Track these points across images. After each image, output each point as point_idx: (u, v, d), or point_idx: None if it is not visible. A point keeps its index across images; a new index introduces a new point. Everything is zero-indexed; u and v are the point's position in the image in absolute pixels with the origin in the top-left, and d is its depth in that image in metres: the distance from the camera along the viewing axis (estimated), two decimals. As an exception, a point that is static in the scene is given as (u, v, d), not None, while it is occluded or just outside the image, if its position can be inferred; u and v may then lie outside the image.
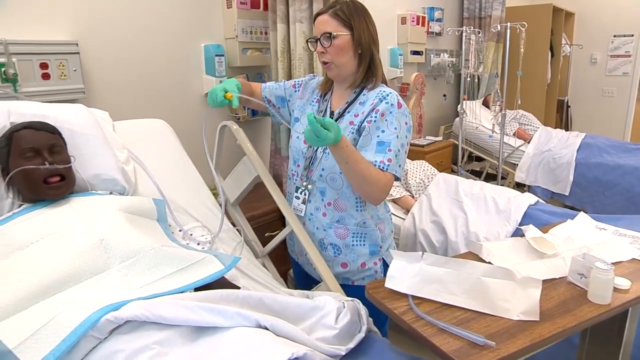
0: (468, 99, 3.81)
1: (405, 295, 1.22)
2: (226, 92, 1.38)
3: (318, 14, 1.49)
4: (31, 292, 1.06)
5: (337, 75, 1.50)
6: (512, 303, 1.14)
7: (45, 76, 1.88)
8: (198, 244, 1.49)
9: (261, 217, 2.24)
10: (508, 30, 3.25)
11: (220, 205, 1.71)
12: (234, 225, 1.72)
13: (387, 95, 1.43)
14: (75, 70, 1.96)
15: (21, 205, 1.32)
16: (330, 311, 1.14)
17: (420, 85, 3.71)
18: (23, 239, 1.16)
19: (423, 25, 3.88)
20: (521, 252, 1.49)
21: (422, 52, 3.94)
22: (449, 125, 4.33)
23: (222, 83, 1.46)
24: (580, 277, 1.26)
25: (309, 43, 1.52)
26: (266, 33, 2.57)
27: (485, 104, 4.23)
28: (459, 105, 3.75)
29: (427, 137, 3.91)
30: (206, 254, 1.31)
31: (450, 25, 4.34)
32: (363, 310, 1.22)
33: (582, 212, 1.77)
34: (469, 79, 3.53)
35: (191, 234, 1.52)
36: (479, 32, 3.48)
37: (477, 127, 3.85)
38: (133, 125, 1.76)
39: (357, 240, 1.54)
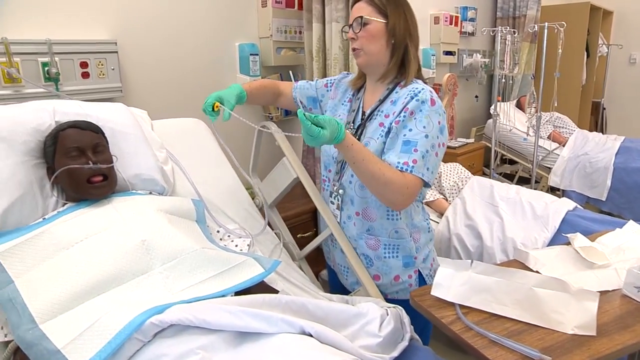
0: (501, 101, 3.73)
1: (452, 304, 1.19)
2: (215, 103, 1.30)
3: (356, 1, 1.42)
4: (77, 292, 1.06)
5: (366, 63, 1.41)
6: (566, 316, 1.09)
7: (85, 75, 1.90)
8: (236, 245, 1.47)
9: (294, 218, 2.22)
10: (546, 30, 3.16)
11: (258, 206, 1.71)
12: (270, 226, 1.70)
13: (420, 91, 1.33)
14: (113, 69, 1.97)
15: (65, 204, 1.32)
16: (373, 318, 1.12)
17: (453, 87, 3.64)
18: (68, 238, 1.16)
19: (456, 25, 3.81)
20: (569, 262, 1.43)
21: (454, 52, 3.87)
22: (480, 127, 4.25)
23: (226, 89, 1.40)
24: (637, 291, 1.20)
25: (342, 32, 1.46)
26: (300, 32, 2.55)
27: (519, 105, 4.14)
28: (492, 107, 3.67)
29: (459, 139, 3.84)
30: (246, 257, 1.30)
31: (483, 25, 4.25)
32: (406, 318, 1.19)
33: (631, 221, 1.70)
34: (503, 80, 3.44)
35: (229, 236, 1.51)
36: (515, 32, 3.38)
37: (510, 130, 3.76)
38: (170, 124, 1.76)
39: (389, 252, 1.45)
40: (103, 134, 1.38)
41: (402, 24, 1.37)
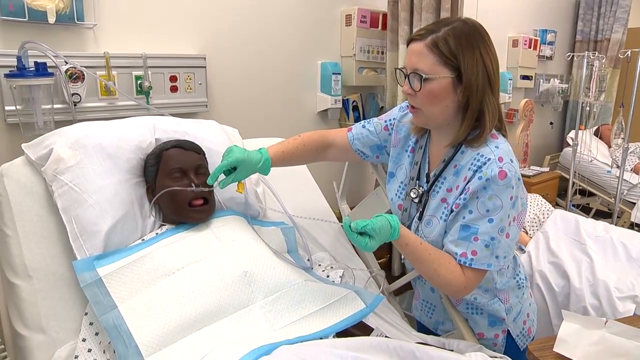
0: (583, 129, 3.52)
1: (580, 366, 1.06)
2: (239, 182, 1.17)
3: (412, 39, 1.12)
4: (180, 325, 1.01)
5: (425, 124, 1.18)
6: None
7: (174, 89, 1.89)
8: (328, 276, 1.40)
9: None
10: None
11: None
12: (357, 254, 1.62)
13: (484, 164, 1.08)
14: (200, 84, 1.96)
15: (162, 225, 1.29)
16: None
17: (530, 113, 3.47)
18: (169, 265, 1.11)
19: (535, 48, 3.66)
20: None
21: (531, 76, 3.70)
22: (554, 155, 4.04)
23: (249, 152, 1.20)
24: None
25: (396, 72, 1.17)
26: (383, 52, 2.48)
27: (599, 134, 3.91)
28: (569, 135, 3.47)
29: (532, 167, 3.65)
30: (347, 290, 1.22)
31: (561, 49, 4.07)
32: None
33: None
34: (587, 108, 3.25)
35: (319, 265, 1.44)
36: (603, 58, 3.20)
37: (591, 161, 3.54)
38: (261, 144, 1.71)
39: (471, 309, 1.30)
40: (204, 154, 1.34)
41: (479, 73, 1.07)
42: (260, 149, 1.27)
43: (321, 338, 1.07)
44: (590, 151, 3.51)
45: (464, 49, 1.06)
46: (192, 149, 1.29)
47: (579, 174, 3.61)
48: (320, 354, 0.95)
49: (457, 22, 1.09)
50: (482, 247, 1.09)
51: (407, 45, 1.13)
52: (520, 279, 1.33)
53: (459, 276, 1.11)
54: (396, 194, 1.31)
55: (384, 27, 2.44)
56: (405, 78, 1.12)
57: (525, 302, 1.34)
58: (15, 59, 1.45)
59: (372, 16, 2.41)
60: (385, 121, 1.36)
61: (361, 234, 1.04)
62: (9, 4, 1.49)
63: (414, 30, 2.24)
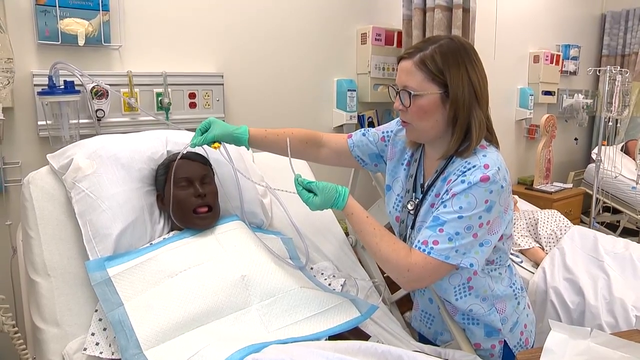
0: (606, 145, 3.46)
1: (566, 376, 1.07)
2: (214, 143, 1.29)
3: (402, 57, 1.16)
4: (179, 323, 1.08)
5: (417, 138, 1.22)
6: None
7: (192, 105, 2.00)
8: (329, 284, 1.45)
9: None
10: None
11: (351, 244, 1.68)
12: (361, 264, 1.66)
13: (469, 169, 1.11)
14: (218, 100, 2.06)
15: (170, 230, 1.38)
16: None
17: (552, 128, 3.44)
18: (172, 267, 1.20)
19: (557, 63, 3.63)
20: None
21: (554, 92, 3.68)
22: (579, 172, 3.97)
23: (231, 129, 1.32)
24: None
25: (389, 89, 1.22)
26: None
27: (625, 150, 3.82)
28: (594, 151, 3.41)
29: (555, 184, 3.60)
30: (343, 298, 1.27)
31: (587, 64, 4.02)
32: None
33: None
34: (610, 123, 3.21)
35: (322, 274, 1.49)
36: (626, 72, 3.16)
37: (616, 177, 3.47)
38: (270, 157, 1.79)
39: (467, 320, 1.30)
40: (210, 165, 1.43)
41: (465, 88, 1.11)
42: (242, 126, 1.35)
43: (313, 341, 1.13)
44: (615, 167, 3.44)
45: (450, 65, 1.10)
46: (197, 159, 1.38)
47: (603, 191, 3.54)
48: (308, 354, 0.99)
49: (444, 39, 1.14)
50: (445, 240, 1.10)
51: (397, 63, 1.18)
52: (516, 288, 1.34)
53: (402, 257, 1.12)
54: (393, 207, 1.35)
55: (399, 44, 2.51)
56: (396, 95, 1.17)
57: (522, 313, 1.35)
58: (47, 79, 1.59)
59: (387, 34, 2.48)
60: (383, 132, 1.40)
61: (308, 190, 1.15)
62: (46, 29, 1.64)
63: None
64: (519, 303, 1.34)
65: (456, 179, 1.13)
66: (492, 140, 1.22)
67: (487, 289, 1.26)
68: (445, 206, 1.12)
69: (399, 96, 1.15)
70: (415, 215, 1.26)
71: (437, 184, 1.21)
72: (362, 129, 1.45)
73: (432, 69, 1.10)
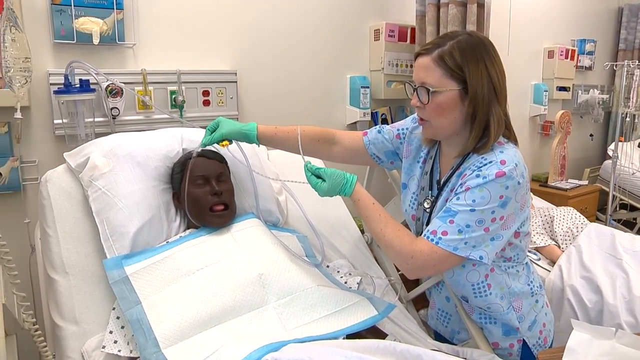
0: (623, 141, 3.41)
1: (589, 376, 1.05)
2: (223, 142, 1.32)
3: (419, 53, 1.14)
4: (197, 321, 1.08)
5: (434, 135, 1.21)
6: None
7: (206, 103, 2.00)
8: (345, 282, 1.45)
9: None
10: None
11: (367, 242, 1.67)
12: (377, 262, 1.65)
13: (485, 165, 1.10)
14: (232, 98, 2.06)
15: (186, 229, 1.37)
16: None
17: (566, 124, 3.40)
18: (190, 265, 1.19)
19: (572, 59, 3.58)
20: None
21: (569, 88, 3.63)
22: (595, 168, 3.91)
23: (239, 126, 1.34)
24: None
25: (405, 86, 1.21)
26: (411, 66, 2.52)
27: (642, 146, 3.76)
28: (610, 147, 3.36)
29: (570, 181, 3.55)
30: (360, 297, 1.26)
31: (603, 58, 3.96)
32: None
33: None
34: (628, 119, 3.15)
35: (338, 271, 1.49)
36: (643, 67, 3.10)
37: (633, 173, 3.41)
38: (285, 154, 1.78)
39: (485, 319, 1.29)
40: (226, 163, 1.42)
41: (485, 84, 1.09)
42: (250, 123, 1.37)
43: (331, 339, 1.12)
44: (632, 164, 3.39)
45: (469, 61, 1.09)
46: (214, 158, 1.38)
47: (620, 187, 3.48)
48: (326, 352, 0.99)
49: (462, 35, 1.13)
50: (454, 231, 1.09)
51: (415, 59, 1.16)
52: (534, 286, 1.32)
53: (406, 244, 1.13)
54: (409, 205, 1.34)
55: (412, 40, 2.49)
56: (413, 91, 1.15)
57: (540, 311, 1.33)
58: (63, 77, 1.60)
59: (400, 30, 2.46)
60: (398, 130, 1.39)
61: (317, 176, 1.18)
62: (61, 29, 1.65)
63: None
64: (537, 301, 1.32)
65: (471, 173, 1.12)
66: (510, 137, 1.20)
67: (504, 287, 1.24)
68: (458, 198, 1.11)
69: (417, 93, 1.14)
70: (431, 212, 1.25)
71: (453, 179, 1.20)
72: (377, 126, 1.43)
73: (450, 65, 1.09)
